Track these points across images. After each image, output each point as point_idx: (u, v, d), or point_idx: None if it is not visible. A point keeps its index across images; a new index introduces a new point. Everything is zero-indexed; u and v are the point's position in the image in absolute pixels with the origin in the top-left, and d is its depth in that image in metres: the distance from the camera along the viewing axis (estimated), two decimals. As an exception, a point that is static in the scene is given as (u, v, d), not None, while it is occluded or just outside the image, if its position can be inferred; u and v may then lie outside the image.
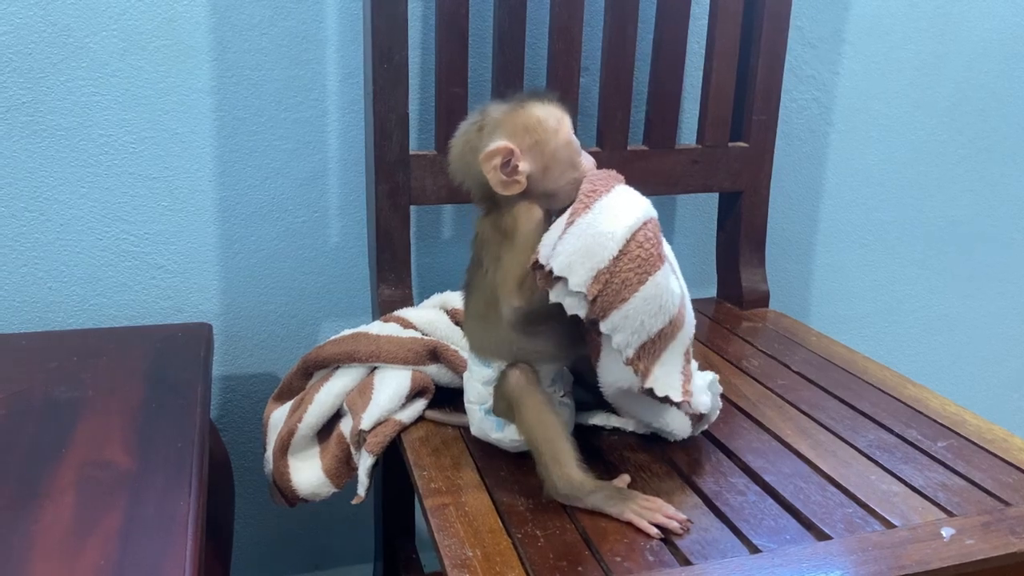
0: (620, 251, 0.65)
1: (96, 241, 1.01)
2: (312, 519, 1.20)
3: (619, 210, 0.66)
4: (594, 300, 0.64)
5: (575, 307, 0.65)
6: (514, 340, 0.69)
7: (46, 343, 0.93)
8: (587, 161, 0.72)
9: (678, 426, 0.76)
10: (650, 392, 0.69)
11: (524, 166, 0.68)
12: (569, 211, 0.67)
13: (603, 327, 0.65)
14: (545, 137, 0.69)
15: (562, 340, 0.71)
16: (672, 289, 0.67)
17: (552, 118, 0.70)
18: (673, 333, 0.68)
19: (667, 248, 0.73)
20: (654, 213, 0.69)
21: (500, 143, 0.68)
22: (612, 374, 0.71)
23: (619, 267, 0.65)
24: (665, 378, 0.69)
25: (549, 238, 0.67)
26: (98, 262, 1.02)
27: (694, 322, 0.73)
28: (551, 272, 0.65)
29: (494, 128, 0.69)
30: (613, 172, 0.71)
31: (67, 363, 0.88)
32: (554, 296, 0.66)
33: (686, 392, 0.70)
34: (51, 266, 1.00)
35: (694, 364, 0.75)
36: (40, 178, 0.97)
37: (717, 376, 0.78)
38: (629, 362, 0.67)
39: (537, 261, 0.66)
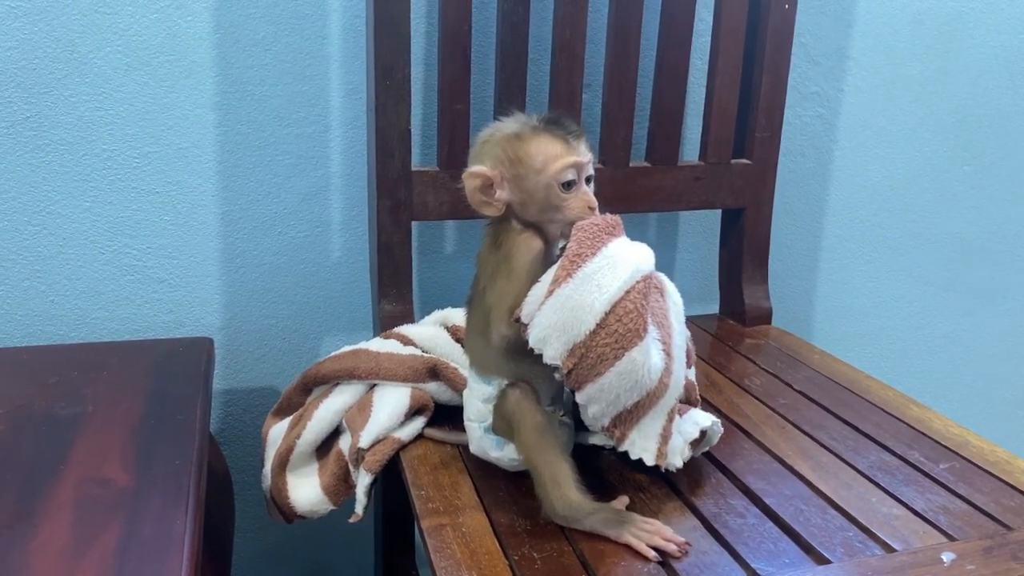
0: (598, 324, 0.64)
1: (98, 255, 1.01)
2: (312, 535, 1.20)
3: (603, 279, 0.65)
4: (569, 372, 0.65)
5: (555, 372, 0.66)
6: (508, 360, 0.69)
7: (47, 357, 0.93)
8: (577, 204, 0.69)
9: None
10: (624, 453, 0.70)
11: (501, 194, 0.69)
12: (552, 276, 0.66)
13: (578, 398, 0.66)
14: (525, 173, 0.68)
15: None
16: (651, 363, 0.66)
17: (543, 156, 0.68)
18: (653, 402, 0.68)
19: (670, 288, 0.73)
20: (647, 268, 0.67)
21: (479, 168, 0.69)
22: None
23: (595, 342, 0.64)
24: (642, 441, 0.69)
25: (534, 295, 0.66)
26: (100, 276, 1.02)
27: (683, 381, 0.72)
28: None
29: (490, 148, 0.70)
30: (610, 220, 0.68)
31: (68, 378, 0.88)
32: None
33: (660, 455, 0.70)
34: (53, 280, 1.01)
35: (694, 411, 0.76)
36: (43, 192, 0.98)
37: (718, 421, 0.77)
38: (604, 430, 0.68)
39: (519, 316, 0.66)
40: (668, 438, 0.70)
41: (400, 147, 0.95)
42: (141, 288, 1.04)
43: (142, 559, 0.61)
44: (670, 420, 0.70)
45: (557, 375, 0.66)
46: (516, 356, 0.68)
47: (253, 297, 1.08)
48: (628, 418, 0.67)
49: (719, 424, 0.77)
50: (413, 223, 0.99)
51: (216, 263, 1.05)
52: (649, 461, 0.69)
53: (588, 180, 0.71)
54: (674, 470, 0.73)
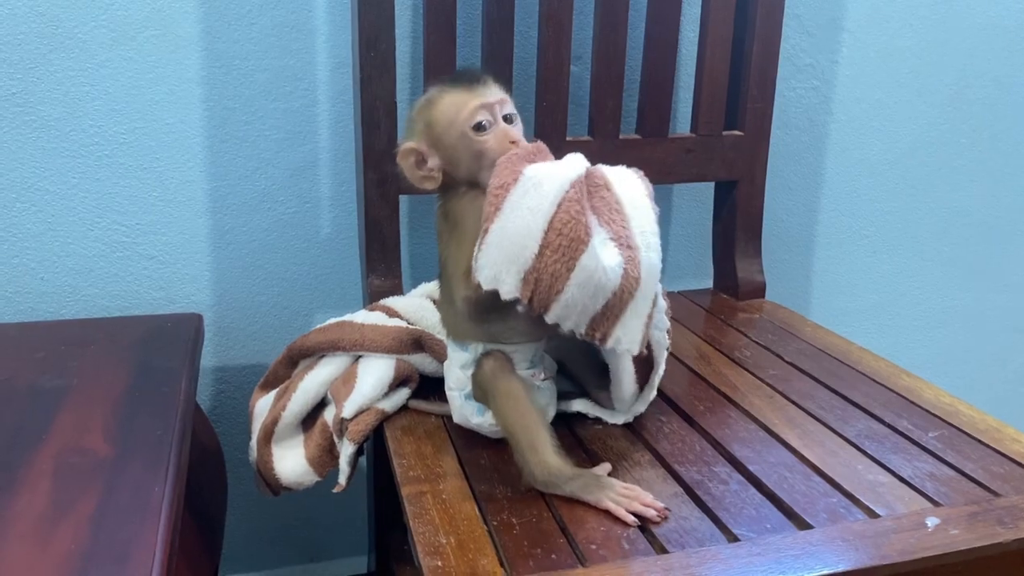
0: (541, 245, 0.63)
1: (87, 232, 1.01)
2: (306, 512, 1.20)
3: (531, 200, 0.64)
4: (530, 300, 0.64)
5: (518, 304, 0.65)
6: (478, 324, 0.69)
7: (35, 333, 0.93)
8: (496, 142, 0.69)
9: (627, 378, 0.75)
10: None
11: (432, 162, 0.71)
12: (483, 214, 0.65)
13: (547, 320, 0.65)
14: (441, 133, 0.70)
15: (524, 317, 0.69)
16: (604, 264, 0.64)
17: (450, 109, 0.69)
18: (627, 299, 0.66)
19: (618, 176, 0.70)
20: (575, 174, 0.66)
21: (407, 144, 0.71)
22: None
23: (544, 262, 0.63)
24: (627, 337, 0.67)
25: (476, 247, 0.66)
26: (90, 253, 1.02)
27: (658, 264, 0.69)
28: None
29: (411, 123, 0.72)
30: (530, 148, 0.68)
31: (55, 352, 0.88)
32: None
33: (642, 344, 0.69)
34: (43, 256, 1.01)
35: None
36: (31, 169, 0.98)
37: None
38: (584, 337, 0.66)
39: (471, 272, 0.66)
40: (650, 324, 0.69)
41: (386, 120, 0.95)
42: (131, 265, 1.04)
43: (118, 525, 0.61)
44: (653, 306, 0.69)
45: (520, 307, 0.65)
46: (483, 317, 0.68)
47: (243, 274, 1.08)
48: (604, 319, 0.66)
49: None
50: (401, 197, 0.99)
51: (206, 240, 1.05)
52: (634, 351, 0.68)
53: (509, 119, 0.70)
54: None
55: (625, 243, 0.66)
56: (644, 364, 0.75)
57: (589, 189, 0.68)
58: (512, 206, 0.64)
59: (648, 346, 0.74)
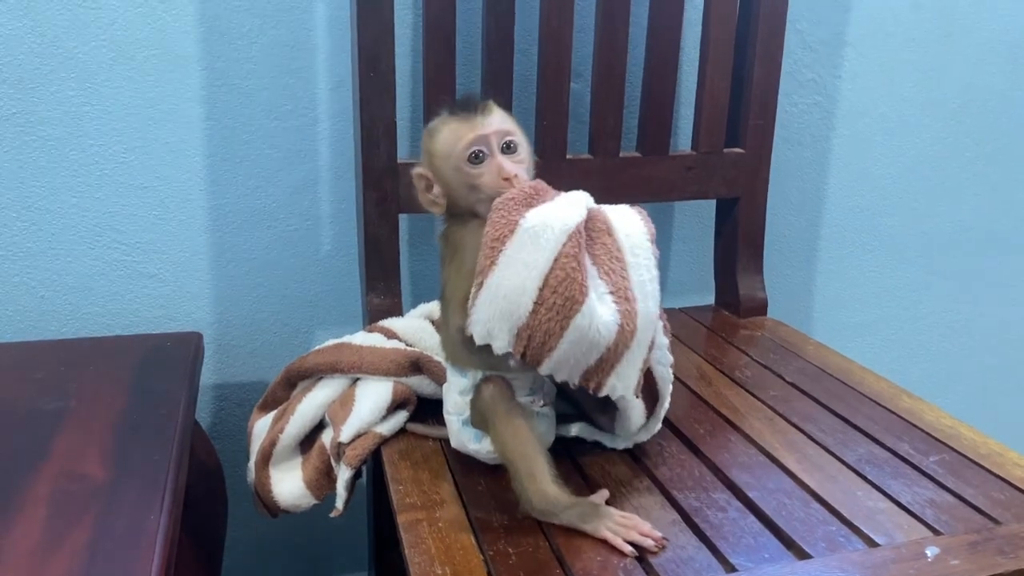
0: (535, 303, 0.63)
1: (87, 251, 1.01)
2: (306, 529, 1.20)
3: (528, 255, 0.63)
4: (522, 355, 0.64)
5: (510, 359, 0.66)
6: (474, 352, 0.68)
7: (35, 353, 0.93)
8: (490, 176, 0.68)
9: (635, 413, 0.74)
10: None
11: (436, 189, 0.71)
12: (478, 266, 0.65)
13: (541, 372, 0.65)
14: (440, 164, 0.70)
15: None
16: (599, 323, 0.64)
17: (446, 141, 0.69)
18: (621, 351, 0.66)
19: (620, 220, 0.69)
20: (573, 223, 0.65)
21: (418, 169, 0.72)
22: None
23: (538, 320, 0.63)
24: (620, 383, 0.67)
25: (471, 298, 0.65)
26: (90, 271, 1.02)
27: (655, 314, 0.69)
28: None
29: (422, 149, 0.72)
30: (527, 190, 0.67)
31: (54, 373, 0.88)
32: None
33: (638, 389, 0.69)
34: (43, 276, 1.01)
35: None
36: (31, 188, 0.98)
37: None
38: (576, 386, 0.67)
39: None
40: (645, 369, 0.69)
41: (385, 139, 0.95)
42: (131, 284, 1.04)
43: (113, 555, 0.61)
44: (649, 351, 0.69)
45: (512, 362, 0.65)
46: (478, 349, 0.68)
47: (243, 292, 1.08)
48: (597, 371, 0.66)
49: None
50: (401, 216, 0.99)
51: (206, 258, 1.05)
52: (629, 395, 0.68)
53: (508, 148, 0.69)
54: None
55: (623, 295, 0.66)
56: (649, 395, 0.75)
57: (590, 235, 0.67)
58: (507, 261, 0.64)
59: (651, 378, 0.74)
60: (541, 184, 0.69)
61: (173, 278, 1.05)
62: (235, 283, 1.07)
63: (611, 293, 0.66)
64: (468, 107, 0.69)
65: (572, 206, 0.67)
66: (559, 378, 0.66)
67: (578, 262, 0.64)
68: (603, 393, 0.67)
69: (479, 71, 1.00)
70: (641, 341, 0.67)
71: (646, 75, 1.04)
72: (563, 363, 0.65)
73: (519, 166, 0.69)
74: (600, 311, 0.64)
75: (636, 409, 0.73)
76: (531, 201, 0.67)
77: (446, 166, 0.69)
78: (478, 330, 0.64)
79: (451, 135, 0.69)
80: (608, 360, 0.66)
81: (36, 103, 0.95)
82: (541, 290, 0.63)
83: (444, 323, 0.73)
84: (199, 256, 1.05)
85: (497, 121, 0.69)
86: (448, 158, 0.69)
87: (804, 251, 1.28)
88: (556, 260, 0.63)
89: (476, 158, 0.68)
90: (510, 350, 0.64)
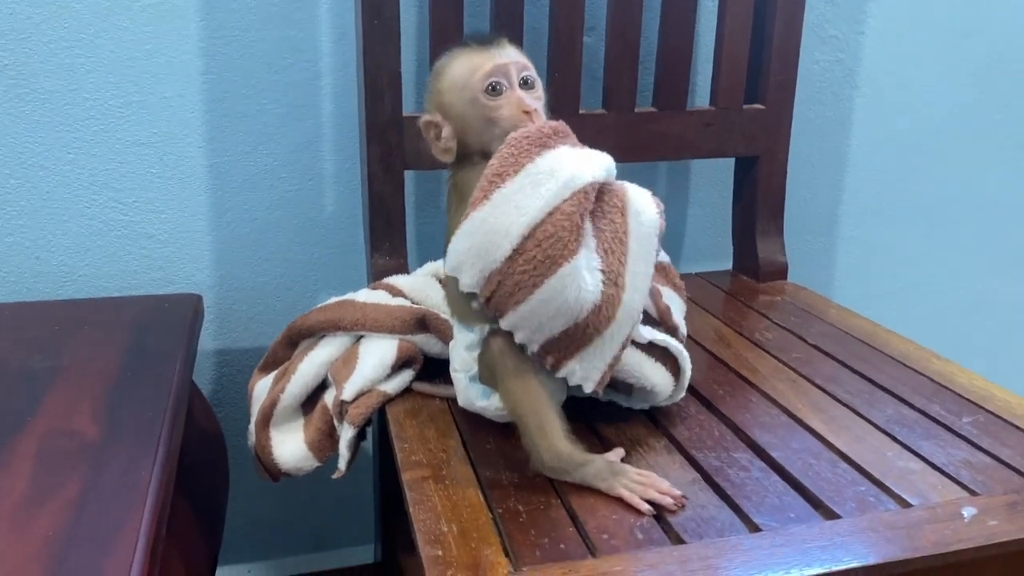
0: (515, 250, 0.60)
1: (84, 209, 0.98)
2: (312, 498, 1.16)
3: (523, 199, 0.60)
4: (487, 300, 0.61)
5: (474, 300, 0.63)
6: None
7: (28, 313, 0.90)
8: (509, 109, 0.65)
9: (659, 380, 0.71)
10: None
11: (446, 131, 0.67)
12: (471, 197, 0.62)
13: (503, 325, 0.62)
14: (452, 100, 0.66)
15: None
16: (578, 293, 0.60)
17: (462, 72, 0.65)
18: (590, 334, 0.62)
19: (637, 204, 0.65)
20: (583, 180, 0.61)
21: (425, 117, 0.68)
22: None
23: (512, 268, 0.60)
24: (580, 370, 0.64)
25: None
26: (86, 231, 0.99)
27: (638, 310, 0.65)
28: None
29: (427, 93, 0.68)
30: (545, 129, 0.63)
31: (47, 333, 0.85)
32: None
33: (600, 383, 0.65)
34: (37, 235, 0.98)
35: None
36: (24, 144, 0.95)
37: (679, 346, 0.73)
38: (535, 357, 0.63)
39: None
40: (613, 367, 0.65)
41: (390, 90, 0.91)
42: (129, 244, 1.00)
43: (101, 511, 0.58)
44: (622, 349, 0.65)
45: (475, 303, 0.63)
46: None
47: (245, 254, 1.04)
48: (559, 345, 0.63)
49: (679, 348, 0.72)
50: (406, 172, 0.95)
51: (205, 218, 1.02)
52: (588, 388, 0.65)
53: (526, 83, 0.66)
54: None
55: (613, 280, 0.62)
56: (671, 363, 0.72)
57: (602, 208, 0.64)
58: (501, 198, 0.60)
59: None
60: (562, 126, 0.65)
61: (172, 239, 1.01)
62: (236, 245, 1.03)
63: (602, 271, 0.62)
64: (482, 39, 0.66)
65: (588, 163, 0.63)
66: (518, 338, 0.62)
67: (572, 223, 0.60)
68: (560, 375, 0.64)
69: (488, 21, 0.96)
70: (615, 333, 0.63)
71: (662, 27, 1.00)
72: (525, 321, 0.61)
73: (538, 102, 0.66)
74: (584, 283, 0.61)
75: (660, 385, 0.71)
76: (546, 142, 0.63)
77: (460, 99, 0.65)
78: (450, 260, 0.62)
79: (466, 65, 0.65)
80: (574, 338, 0.62)
81: (28, 55, 0.92)
82: (525, 239, 0.59)
83: (449, 277, 0.69)
84: (199, 216, 1.01)
85: (514, 53, 0.66)
86: (463, 90, 0.65)
87: (824, 215, 1.24)
88: (550, 213, 0.60)
89: (494, 89, 0.64)
90: (475, 290, 0.61)
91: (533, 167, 0.61)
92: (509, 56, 0.65)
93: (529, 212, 0.60)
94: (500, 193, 0.60)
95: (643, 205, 0.66)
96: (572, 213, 0.60)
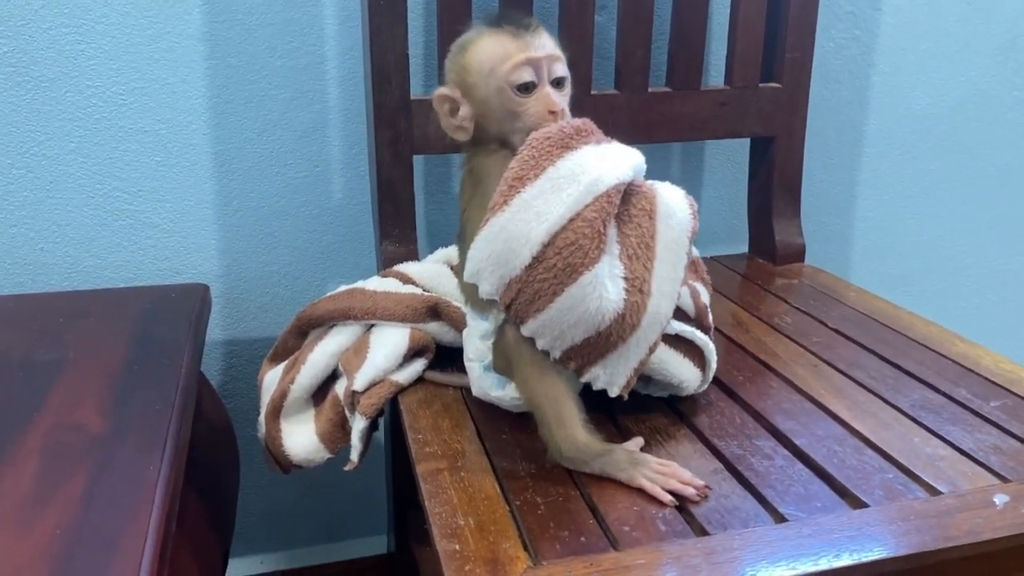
0: (535, 258, 0.58)
1: (88, 199, 0.96)
2: (324, 489, 1.15)
3: (544, 204, 0.58)
4: (508, 307, 0.60)
5: (494, 306, 0.61)
6: None
7: (33, 305, 0.89)
8: (536, 109, 0.62)
9: (687, 376, 0.69)
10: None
11: (464, 111, 0.64)
12: (491, 202, 0.60)
13: (523, 332, 0.60)
14: (475, 81, 0.63)
15: None
16: (600, 298, 0.59)
17: (489, 57, 0.62)
18: (614, 341, 0.60)
19: (666, 207, 0.63)
20: (603, 186, 0.59)
21: (440, 90, 0.65)
22: None
23: (532, 276, 0.58)
24: (605, 375, 0.62)
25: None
26: (91, 221, 0.97)
27: (666, 317, 0.63)
28: None
29: (447, 65, 0.65)
30: (568, 130, 0.61)
31: (51, 324, 0.84)
32: None
33: (626, 387, 0.64)
34: (42, 226, 0.96)
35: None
36: (26, 133, 0.93)
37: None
38: (558, 363, 0.62)
39: None
40: (641, 371, 0.64)
41: (398, 74, 0.89)
42: (134, 234, 0.99)
43: (109, 507, 0.56)
44: (649, 354, 0.63)
45: (495, 310, 0.61)
46: None
47: (252, 242, 1.02)
48: (582, 352, 0.61)
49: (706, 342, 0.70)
50: (415, 157, 0.93)
51: (211, 207, 1.00)
52: (613, 393, 0.63)
53: (557, 83, 0.63)
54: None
55: (638, 287, 0.60)
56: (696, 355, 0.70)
57: (629, 211, 0.62)
58: (521, 204, 0.58)
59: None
60: (585, 124, 0.63)
61: (178, 228, 1.00)
62: (243, 233, 1.02)
63: (625, 279, 0.60)
64: (515, 22, 0.63)
65: (613, 163, 0.61)
66: (540, 345, 0.61)
67: (593, 229, 0.58)
68: (584, 379, 0.62)
69: (496, 2, 0.93)
70: (641, 340, 0.61)
71: (676, 4, 0.97)
72: (546, 329, 0.60)
73: (565, 99, 0.63)
74: (605, 292, 0.59)
75: (688, 381, 0.69)
76: (569, 143, 0.61)
77: (485, 84, 0.63)
78: (469, 266, 0.60)
79: (497, 50, 0.62)
80: (597, 346, 0.60)
81: (28, 42, 0.90)
82: (545, 246, 0.58)
83: (463, 265, 0.67)
84: (204, 205, 1.00)
85: (549, 44, 0.63)
86: (490, 76, 0.62)
87: (841, 196, 1.21)
88: (572, 220, 0.58)
89: (525, 87, 0.62)
90: (495, 298, 0.59)
91: (554, 170, 0.59)
92: (543, 48, 0.62)
93: (550, 219, 0.58)
94: (520, 198, 0.58)
95: (675, 207, 0.63)
96: (594, 219, 0.58)
